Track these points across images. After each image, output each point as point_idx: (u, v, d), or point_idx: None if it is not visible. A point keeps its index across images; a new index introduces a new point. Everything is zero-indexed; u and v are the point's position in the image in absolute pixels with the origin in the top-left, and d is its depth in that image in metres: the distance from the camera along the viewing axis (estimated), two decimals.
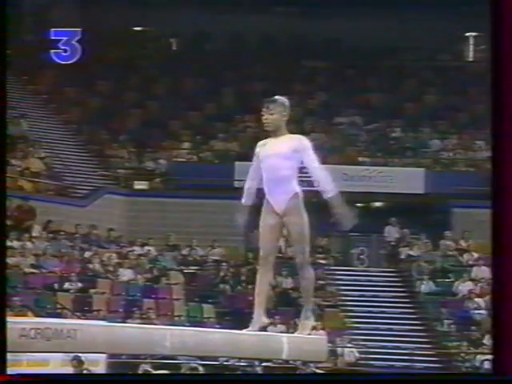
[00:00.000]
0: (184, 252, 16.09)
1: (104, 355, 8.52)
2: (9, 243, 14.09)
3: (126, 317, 13.10)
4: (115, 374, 4.63)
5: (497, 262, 3.79)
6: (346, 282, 16.04)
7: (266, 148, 5.11)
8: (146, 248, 15.74)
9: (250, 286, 15.44)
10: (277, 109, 5.08)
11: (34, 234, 14.82)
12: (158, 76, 19.69)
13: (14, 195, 15.25)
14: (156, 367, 9.30)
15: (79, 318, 11.67)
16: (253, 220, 5.40)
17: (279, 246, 5.35)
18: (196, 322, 13.77)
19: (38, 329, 4.04)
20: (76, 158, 17.89)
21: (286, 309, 14.64)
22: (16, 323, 4.07)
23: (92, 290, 14.06)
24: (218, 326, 12.34)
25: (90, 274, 14.45)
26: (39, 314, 11.55)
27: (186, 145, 18.42)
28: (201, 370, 10.55)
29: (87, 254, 14.94)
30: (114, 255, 15.21)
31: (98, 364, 8.81)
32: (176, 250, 16.08)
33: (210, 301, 14.86)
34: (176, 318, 14.03)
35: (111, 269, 14.83)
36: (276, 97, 5.15)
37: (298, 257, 5.21)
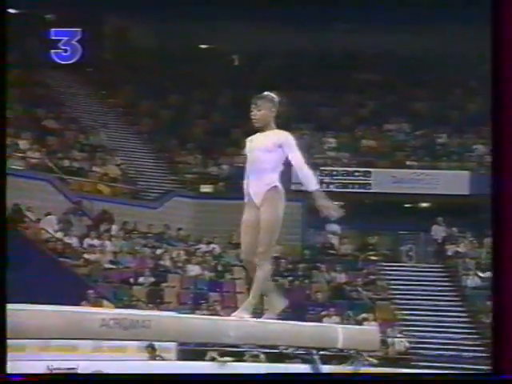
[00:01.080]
0: None
1: (175, 343, 8.59)
2: (90, 242, 14.33)
3: (194, 308, 13.18)
4: (115, 373, 4.64)
5: (497, 262, 3.65)
6: (395, 277, 15.85)
7: (252, 143, 4.69)
8: (212, 246, 15.82)
9: (306, 281, 15.42)
10: (265, 105, 4.68)
11: (112, 234, 15.05)
12: (221, 89, 19.81)
13: (93, 198, 15.52)
14: (222, 354, 9.34)
15: (152, 309, 11.78)
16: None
17: (256, 242, 4.80)
18: (257, 313, 13.73)
19: (117, 319, 4.10)
20: (148, 165, 18.11)
21: (339, 301, 14.55)
22: (97, 314, 4.13)
23: (163, 284, 14.20)
24: (277, 318, 12.32)
25: (162, 269, 14.58)
26: (117, 305, 11.71)
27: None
28: (262, 357, 10.54)
29: (159, 252, 15.09)
30: (183, 252, 15.33)
31: (169, 351, 8.89)
32: (238, 247, 16.08)
33: None
34: None
35: (180, 265, 14.95)
36: (265, 93, 4.76)
37: (261, 247, 4.71)
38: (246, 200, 4.76)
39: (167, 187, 17.49)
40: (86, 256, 13.88)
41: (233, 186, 17.56)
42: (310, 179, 4.70)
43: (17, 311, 3.77)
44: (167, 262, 14.83)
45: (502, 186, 3.58)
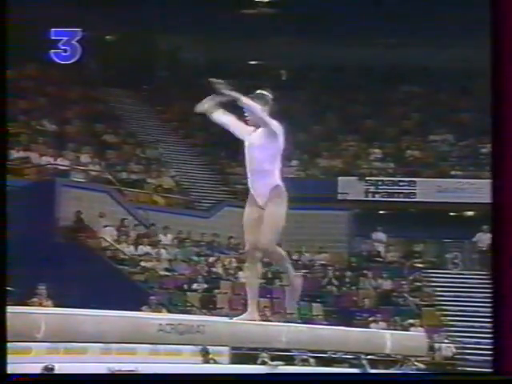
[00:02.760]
0: (294, 257, 16.10)
1: (227, 347, 8.61)
2: (145, 250, 14.49)
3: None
4: (115, 374, 4.63)
5: (497, 262, 3.56)
6: (441, 284, 15.63)
7: (248, 141, 4.62)
8: None
9: (353, 287, 15.31)
10: (257, 103, 4.60)
11: (166, 242, 15.19)
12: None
13: (149, 208, 15.70)
14: (273, 358, 9.32)
15: (205, 314, 11.84)
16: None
17: (257, 238, 4.72)
18: (306, 319, 13.73)
19: (172, 324, 4.15)
20: (201, 176, 18.26)
21: (386, 308, 14.41)
22: (154, 319, 4.19)
23: (216, 290, 14.26)
24: (326, 323, 12.26)
25: (214, 276, 14.65)
26: (172, 311, 11.80)
27: (295, 162, 18.47)
28: (311, 361, 10.50)
29: (211, 259, 15.17)
30: (234, 260, 15.39)
31: (222, 355, 8.91)
32: (287, 255, 16.09)
33: (318, 300, 14.79)
34: (288, 316, 14.03)
35: (232, 272, 15.00)
36: (257, 91, 4.65)
37: (263, 244, 4.68)
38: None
39: (219, 197, 17.59)
40: (142, 264, 14.05)
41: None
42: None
43: (80, 316, 3.85)
44: (219, 269, 14.90)
45: (503, 189, 3.53)
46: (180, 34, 18.87)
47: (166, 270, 14.36)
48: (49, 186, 14.15)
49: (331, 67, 19.86)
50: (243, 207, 18.75)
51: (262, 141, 4.51)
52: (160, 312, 10.65)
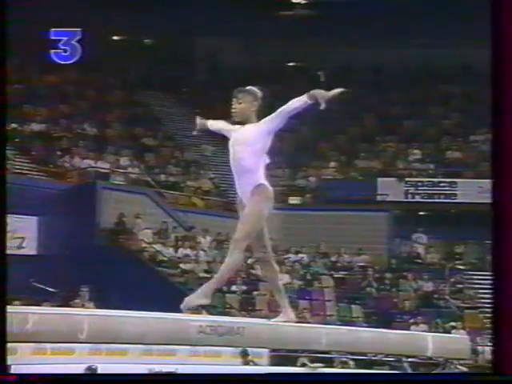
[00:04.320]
0: (333, 259, 16.04)
1: (267, 349, 8.61)
2: (184, 252, 14.58)
3: None
4: (115, 374, 4.65)
5: (497, 262, 3.52)
6: (483, 286, 15.40)
7: (233, 136, 4.41)
8: (300, 255, 15.82)
9: (393, 289, 15.18)
10: (246, 98, 4.41)
11: (205, 244, 15.27)
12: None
13: (188, 211, 15.80)
14: (312, 361, 9.29)
15: (245, 316, 11.86)
16: None
17: (267, 238, 4.60)
18: (346, 321, 13.65)
19: (213, 326, 4.17)
20: None
21: (427, 310, 14.25)
22: (194, 321, 4.22)
23: (255, 292, 14.28)
24: (365, 325, 12.18)
25: (253, 277, 14.67)
26: (212, 312, 11.84)
27: (333, 164, 18.40)
28: (351, 364, 10.44)
29: (250, 261, 15.19)
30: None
31: (261, 357, 8.92)
32: (326, 257, 16.05)
33: (357, 302, 14.71)
34: (328, 318, 13.99)
35: None
36: (247, 87, 4.47)
37: (258, 252, 4.55)
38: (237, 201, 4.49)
39: None
40: (181, 266, 14.14)
41: (320, 198, 17.54)
42: (299, 104, 4.49)
43: (121, 317, 3.89)
44: (258, 271, 14.91)
45: (502, 189, 3.48)
46: (219, 37, 18.96)
47: (205, 271, 14.42)
48: (89, 189, 14.34)
49: (369, 68, 19.75)
50: (281, 209, 18.62)
51: (247, 138, 4.35)
52: (199, 314, 10.70)
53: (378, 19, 17.49)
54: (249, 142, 4.32)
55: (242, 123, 4.38)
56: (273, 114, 4.39)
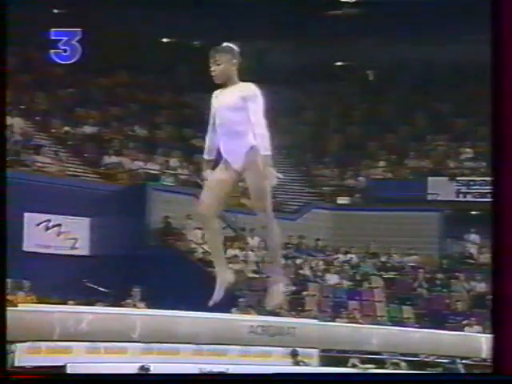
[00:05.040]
0: (383, 259, 15.90)
1: (317, 349, 8.58)
2: (233, 252, 14.64)
3: (334, 316, 13.13)
4: (115, 374, 4.63)
5: (497, 261, 3.43)
6: None
7: (218, 100, 4.18)
8: (349, 255, 15.73)
9: (445, 290, 14.96)
10: (223, 57, 4.17)
11: (254, 245, 15.30)
12: (357, 104, 19.71)
13: (237, 211, 15.85)
14: (363, 362, 9.22)
15: (294, 316, 11.85)
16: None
17: (222, 204, 4.34)
18: (396, 321, 13.52)
19: (263, 326, 4.18)
20: (287, 179, 18.27)
21: (480, 311, 14.00)
22: (245, 321, 4.24)
23: (304, 293, 14.26)
24: (417, 326, 12.03)
25: (302, 278, 14.65)
26: (261, 313, 11.87)
27: (382, 163, 18.23)
28: (403, 365, 10.33)
29: (298, 261, 15.18)
30: (322, 262, 15.34)
31: (311, 357, 8.89)
32: (376, 257, 15.93)
33: (408, 303, 14.56)
34: (378, 318, 13.87)
35: (319, 274, 14.97)
36: (223, 44, 4.26)
37: (259, 214, 4.26)
38: (206, 156, 4.30)
39: (306, 200, 17.58)
40: (230, 266, 14.19)
41: (369, 198, 17.41)
42: (264, 143, 4.15)
43: (173, 317, 3.93)
44: (307, 271, 14.88)
45: (502, 187, 3.41)
46: (266, 38, 18.98)
47: (254, 272, 14.46)
48: (140, 190, 14.53)
49: (420, 65, 19.52)
50: (330, 209, 18.54)
51: (235, 100, 4.13)
52: (249, 314, 10.74)
53: (428, 16, 17.27)
54: (236, 106, 4.13)
55: (225, 84, 4.19)
56: (257, 105, 4.15)
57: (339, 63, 20.56)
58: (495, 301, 3.49)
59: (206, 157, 4.35)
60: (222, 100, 4.18)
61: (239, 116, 4.12)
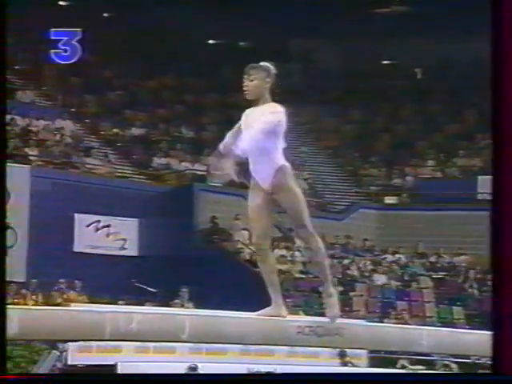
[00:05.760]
0: (432, 259, 15.70)
1: (365, 350, 8.53)
2: (280, 252, 14.63)
3: (383, 317, 13.02)
4: (115, 374, 4.59)
5: (497, 262, 3.34)
6: None
7: (248, 118, 4.15)
8: (397, 256, 15.58)
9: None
10: (258, 75, 4.11)
11: (301, 245, 15.27)
12: (404, 102, 19.52)
13: (283, 211, 15.83)
14: (412, 363, 9.13)
15: (342, 317, 11.77)
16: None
17: (271, 226, 4.40)
18: (446, 322, 13.34)
19: (311, 327, 4.17)
20: (333, 179, 18.21)
21: None
22: (293, 321, 4.23)
23: (351, 293, 14.17)
24: (467, 327, 11.84)
25: (349, 278, 14.57)
26: (308, 313, 11.84)
27: (431, 162, 18.01)
28: (453, 367, 10.19)
29: (346, 261, 15.10)
30: (369, 262, 15.23)
31: (360, 358, 8.84)
32: (424, 257, 15.74)
33: (459, 303, 14.34)
34: (428, 319, 13.70)
35: (367, 274, 14.86)
36: (260, 63, 4.18)
37: (299, 233, 4.34)
38: (219, 149, 4.32)
39: (352, 199, 17.47)
40: (277, 266, 14.19)
41: (417, 197, 17.22)
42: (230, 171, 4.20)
43: (222, 318, 3.95)
44: (354, 272, 14.79)
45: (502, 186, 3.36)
46: (313, 37, 18.93)
47: (301, 272, 14.43)
48: (187, 191, 14.64)
49: (469, 63, 19.20)
50: (377, 209, 18.42)
51: (266, 121, 4.09)
52: (296, 314, 10.73)
53: (477, 13, 16.95)
54: (267, 124, 4.09)
55: (255, 102, 4.18)
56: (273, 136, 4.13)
57: (387, 62, 20.38)
58: (495, 300, 3.55)
59: (220, 148, 4.36)
60: (252, 118, 4.17)
61: (269, 134, 4.10)
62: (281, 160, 4.17)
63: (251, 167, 4.23)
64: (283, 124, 4.16)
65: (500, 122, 3.46)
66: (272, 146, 4.12)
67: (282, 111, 4.19)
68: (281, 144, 4.16)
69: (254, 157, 4.16)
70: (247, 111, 4.26)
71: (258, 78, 4.17)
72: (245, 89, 4.19)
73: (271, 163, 4.14)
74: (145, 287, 11.90)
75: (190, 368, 5.62)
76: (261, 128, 4.09)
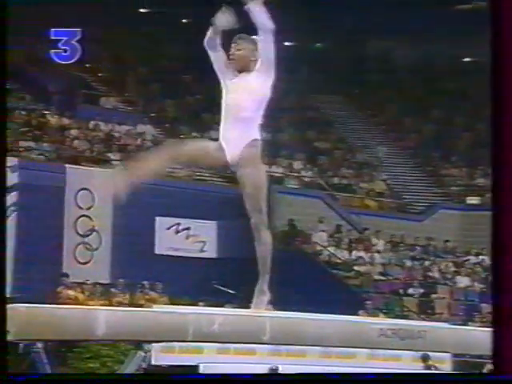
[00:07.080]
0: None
1: (449, 354, 8.34)
2: (358, 254, 14.51)
3: (467, 320, 12.71)
4: (115, 374, 4.46)
5: (497, 261, 3.32)
6: None
7: (234, 83, 3.97)
8: (481, 257, 15.18)
9: None
10: (246, 46, 3.99)
11: (379, 246, 15.11)
12: (485, 100, 18.99)
13: (362, 213, 15.70)
14: None
15: (424, 320, 11.58)
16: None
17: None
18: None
19: (394, 329, 4.12)
20: (413, 179, 17.92)
21: None
22: (375, 324, 4.18)
23: (433, 295, 13.91)
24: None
25: (430, 280, 14.31)
26: (389, 316, 11.69)
27: None
28: None
29: (427, 263, 14.83)
30: (451, 264, 14.90)
31: (443, 362, 8.64)
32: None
33: None
34: None
35: (449, 276, 14.55)
36: (250, 36, 4.03)
37: (253, 216, 4.06)
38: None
39: (432, 200, 17.15)
40: (356, 268, 14.09)
41: (502, 197, 16.73)
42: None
43: (303, 320, 3.94)
44: (436, 274, 14.51)
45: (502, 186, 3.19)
46: (392, 35, 18.70)
47: (381, 274, 14.26)
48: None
49: None
50: (459, 209, 17.94)
51: (251, 84, 3.95)
52: (377, 317, 10.60)
53: None
54: (253, 89, 3.96)
55: (239, 71, 4.03)
56: (268, 59, 3.98)
57: (467, 59, 19.91)
58: (495, 300, 3.46)
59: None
60: (239, 83, 4.02)
61: (253, 104, 3.96)
62: (256, 133, 4.01)
63: (222, 134, 4.06)
64: (269, 90, 4.03)
65: (500, 123, 3.41)
66: (253, 116, 3.97)
67: (269, 86, 4.05)
68: (260, 117, 4.02)
69: (229, 124, 4.01)
70: (234, 78, 4.07)
71: (246, 49, 4.03)
72: (231, 57, 4.05)
73: (245, 134, 3.98)
74: (224, 289, 12.00)
75: (271, 369, 5.63)
76: (248, 89, 3.97)
